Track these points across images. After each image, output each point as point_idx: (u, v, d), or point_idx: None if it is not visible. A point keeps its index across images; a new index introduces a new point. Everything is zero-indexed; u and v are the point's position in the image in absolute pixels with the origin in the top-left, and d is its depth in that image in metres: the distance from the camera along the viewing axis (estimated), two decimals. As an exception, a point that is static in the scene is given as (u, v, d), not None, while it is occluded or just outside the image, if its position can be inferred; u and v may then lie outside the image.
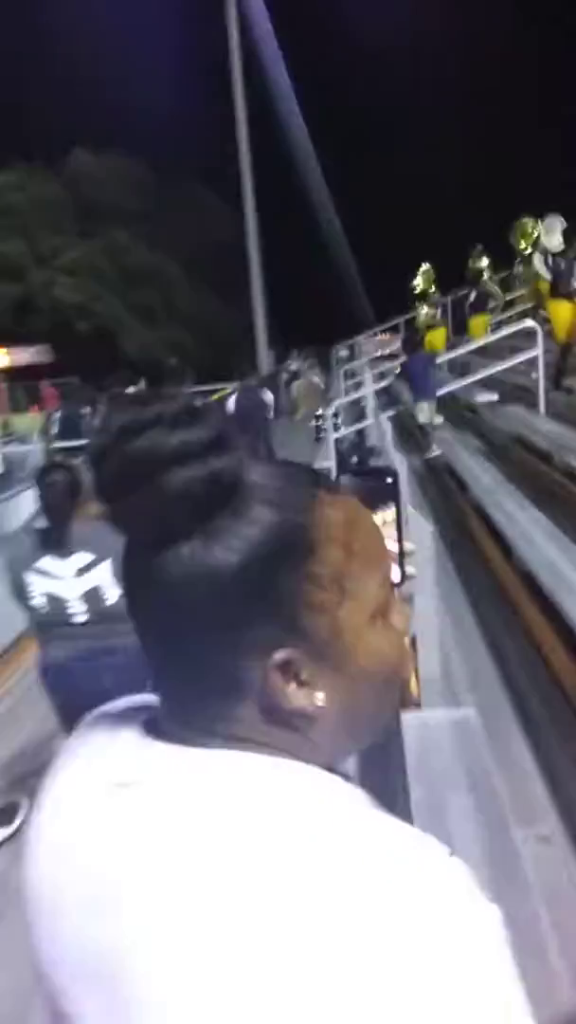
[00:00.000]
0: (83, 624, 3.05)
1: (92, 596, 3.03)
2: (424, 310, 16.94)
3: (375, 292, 31.72)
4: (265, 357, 25.56)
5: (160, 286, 39.18)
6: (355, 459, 10.72)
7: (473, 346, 12.07)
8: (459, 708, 3.41)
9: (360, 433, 11.32)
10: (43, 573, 3.02)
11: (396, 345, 21.24)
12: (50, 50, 38.09)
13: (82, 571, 3.02)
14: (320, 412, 12.37)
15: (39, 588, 3.03)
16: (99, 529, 2.94)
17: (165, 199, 41.40)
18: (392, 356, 20.26)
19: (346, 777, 0.66)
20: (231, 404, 8.30)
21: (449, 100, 39.08)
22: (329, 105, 37.74)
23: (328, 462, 9.95)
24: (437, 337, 15.71)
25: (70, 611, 3.03)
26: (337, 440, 10.12)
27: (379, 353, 21.91)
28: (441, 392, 10.76)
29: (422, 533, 3.45)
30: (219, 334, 40.72)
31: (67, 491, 3.01)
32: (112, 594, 3.02)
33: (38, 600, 3.05)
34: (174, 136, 38.48)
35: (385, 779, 3.71)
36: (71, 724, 2.51)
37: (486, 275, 15.64)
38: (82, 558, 3.01)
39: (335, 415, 10.84)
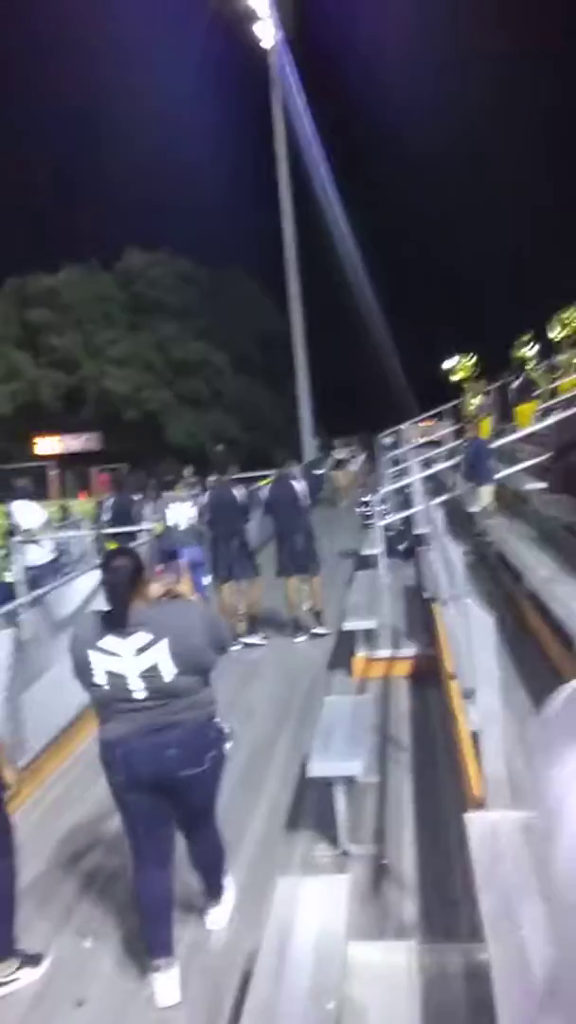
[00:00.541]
0: (142, 700, 3.19)
1: (151, 674, 3.18)
2: (472, 397, 17.10)
3: (418, 380, 32.19)
4: (309, 445, 25.90)
5: (207, 376, 40.33)
6: (403, 546, 10.68)
7: (521, 434, 12.09)
8: (526, 810, 3.30)
9: (407, 520, 11.29)
10: (105, 652, 3.17)
11: (440, 432, 21.43)
12: (106, 152, 40.45)
13: (141, 650, 3.17)
14: (367, 499, 12.41)
15: (101, 666, 3.18)
16: (157, 610, 3.28)
17: (213, 293, 43.22)
18: (435, 443, 20.44)
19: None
20: (265, 492, 8.42)
21: (490, 192, 40.34)
22: (371, 201, 39.18)
23: (375, 548, 9.91)
24: (483, 426, 15.81)
25: (130, 688, 3.18)
26: (385, 527, 10.12)
27: (423, 440, 22.14)
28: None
29: (481, 625, 3.42)
30: (264, 422, 41.65)
31: (130, 575, 3.20)
32: (168, 672, 3.17)
33: (100, 677, 3.19)
34: (222, 233, 40.30)
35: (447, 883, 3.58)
36: (128, 797, 2.83)
37: (532, 363, 15.78)
38: (141, 638, 3.17)
39: (382, 502, 10.87)
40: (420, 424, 23.86)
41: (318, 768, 4.09)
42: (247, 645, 8.18)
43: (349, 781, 4.12)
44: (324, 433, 30.60)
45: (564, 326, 14.70)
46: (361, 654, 6.82)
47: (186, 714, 3.23)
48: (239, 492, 8.35)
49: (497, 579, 8.33)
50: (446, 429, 20.75)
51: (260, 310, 43.23)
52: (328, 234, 36.41)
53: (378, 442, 23.96)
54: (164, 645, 3.16)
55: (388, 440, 22.45)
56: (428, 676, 6.28)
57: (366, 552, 10.25)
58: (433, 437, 21.11)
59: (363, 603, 7.41)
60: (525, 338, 15.87)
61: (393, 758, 5.08)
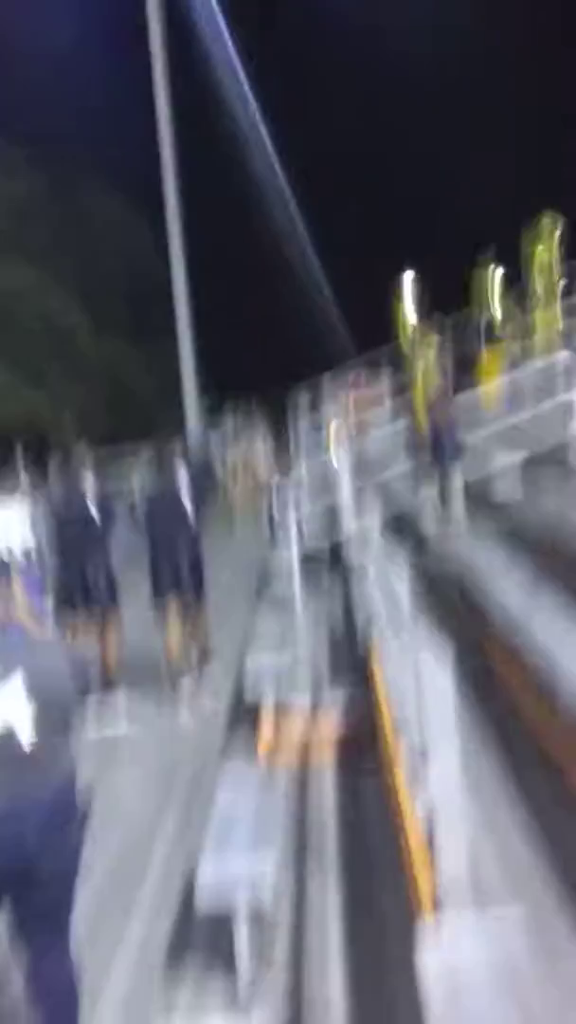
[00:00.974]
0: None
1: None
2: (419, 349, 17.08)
3: (352, 315, 32.40)
4: (195, 411, 25.74)
5: (58, 335, 39.59)
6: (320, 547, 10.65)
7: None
8: (491, 911, 3.26)
9: (331, 511, 11.26)
10: None
11: (376, 388, 21.50)
12: None
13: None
14: (275, 481, 12.35)
15: None
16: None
17: (67, 225, 42.00)
18: (369, 402, 20.50)
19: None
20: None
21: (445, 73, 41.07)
22: (284, 77, 39.19)
23: (287, 551, 9.76)
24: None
25: None
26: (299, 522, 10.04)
27: (357, 420, 22.15)
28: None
29: (438, 687, 3.32)
30: (136, 396, 40.98)
31: None
32: (24, 737, 3.28)
33: None
34: (71, 124, 39.43)
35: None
36: None
37: (496, 293, 15.87)
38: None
39: (296, 486, 10.83)
40: (352, 393, 23.72)
41: (211, 873, 3.94)
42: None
43: (253, 890, 3.97)
44: (215, 393, 30.41)
45: (542, 237, 14.81)
46: (269, 706, 6.68)
47: (45, 790, 3.39)
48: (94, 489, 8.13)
49: (457, 613, 8.15)
50: (382, 397, 20.68)
51: (129, 243, 42.64)
52: (221, 124, 36.20)
53: (291, 403, 23.89)
54: (20, 688, 3.29)
55: (305, 399, 22.32)
56: (363, 737, 6.15)
57: (274, 555, 10.07)
58: (368, 392, 21.18)
59: (273, 632, 7.32)
60: (486, 257, 15.89)
61: (316, 852, 5.00)
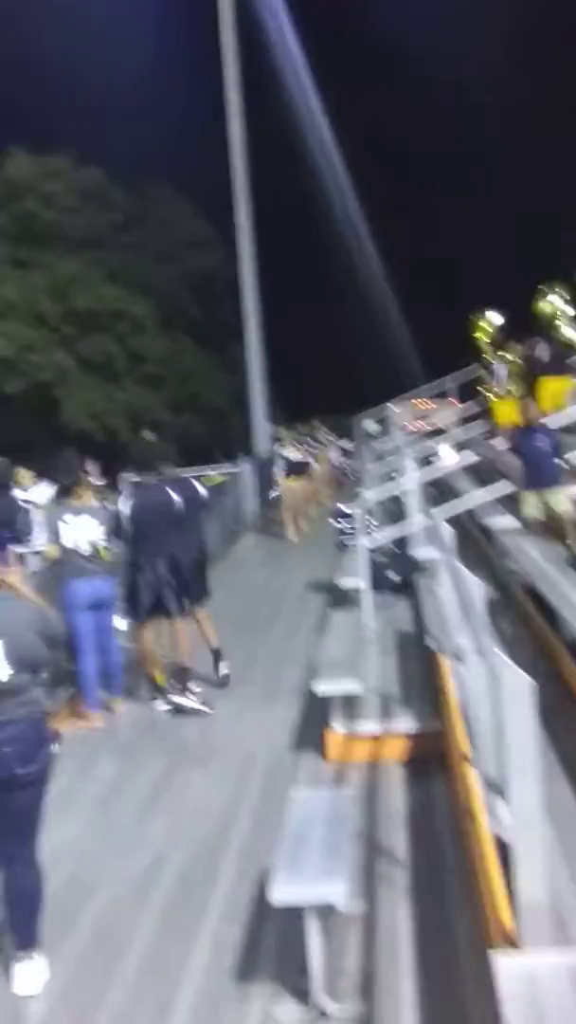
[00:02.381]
0: None
1: None
2: (497, 366, 17.08)
3: (423, 343, 32.40)
4: (263, 430, 25.89)
5: (121, 333, 40.11)
6: (395, 576, 10.71)
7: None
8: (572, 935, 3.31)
9: (401, 541, 11.34)
10: None
11: (443, 415, 21.56)
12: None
13: None
14: (346, 509, 12.42)
15: None
16: None
17: (132, 220, 42.95)
18: (438, 431, 20.56)
19: None
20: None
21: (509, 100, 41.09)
22: (360, 98, 39.48)
23: (355, 579, 9.93)
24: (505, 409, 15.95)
25: None
26: (371, 550, 10.15)
27: (419, 427, 22.22)
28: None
29: (517, 692, 3.40)
30: (199, 399, 41.53)
31: None
32: (4, 671, 4.34)
33: None
34: (145, 138, 40.15)
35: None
36: None
37: (562, 320, 15.82)
38: None
39: (368, 514, 10.90)
40: (414, 404, 23.89)
41: (284, 892, 4.04)
42: (178, 710, 8.14)
43: (327, 910, 4.08)
44: (282, 415, 30.59)
45: None
46: (338, 729, 6.79)
47: (20, 711, 4.41)
48: (179, 493, 8.47)
49: (527, 623, 8.39)
50: (451, 411, 20.87)
51: (197, 244, 43.22)
52: (294, 142, 36.56)
53: (357, 427, 24.03)
54: (0, 645, 4.33)
55: (372, 426, 22.57)
56: (432, 760, 6.28)
57: (343, 584, 10.28)
58: (434, 423, 21.25)
59: (340, 657, 7.40)
60: (550, 288, 15.82)
61: (386, 876, 5.07)
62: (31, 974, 4.45)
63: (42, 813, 4.54)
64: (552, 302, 15.62)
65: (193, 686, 8.36)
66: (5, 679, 4.35)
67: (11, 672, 4.36)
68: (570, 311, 15.60)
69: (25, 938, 4.48)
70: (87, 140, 38.75)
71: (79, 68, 39.38)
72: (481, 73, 39.58)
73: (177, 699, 8.25)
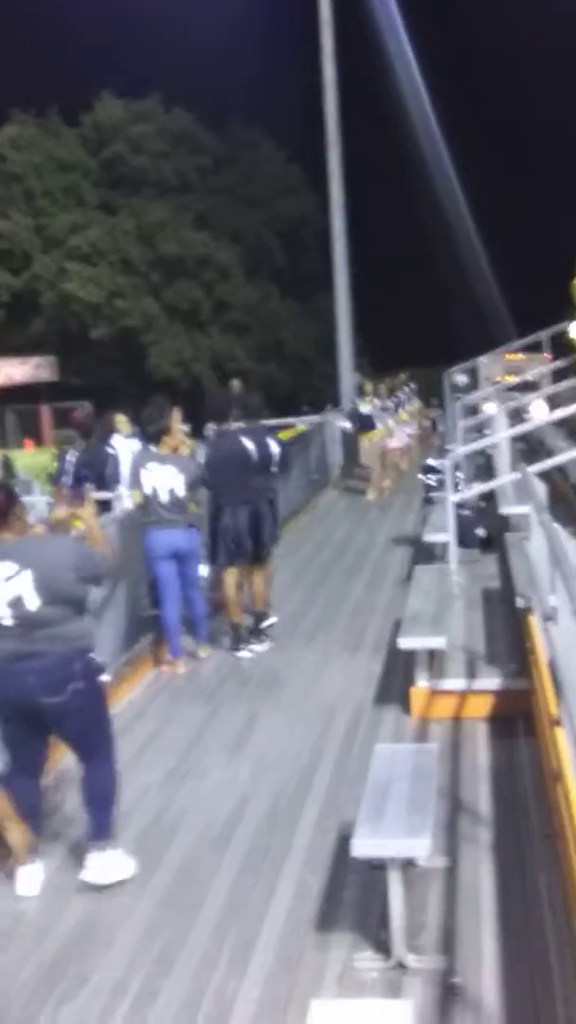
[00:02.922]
0: (8, 628, 4.67)
1: (16, 603, 4.64)
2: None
3: (516, 296, 31.80)
4: (349, 380, 25.74)
5: (207, 280, 40.10)
6: (482, 532, 10.63)
7: None
8: None
9: (489, 496, 11.22)
10: None
11: (533, 369, 21.17)
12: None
13: (7, 580, 4.62)
14: (432, 462, 12.36)
15: None
16: (26, 543, 4.81)
17: (221, 164, 42.72)
18: (530, 385, 20.21)
19: None
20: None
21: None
22: (451, 41, 38.65)
23: (442, 535, 9.87)
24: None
25: None
26: (457, 505, 10.06)
27: (507, 380, 21.83)
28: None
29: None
30: (286, 348, 41.40)
31: None
32: (33, 602, 4.63)
33: None
34: (234, 80, 39.83)
35: None
36: (4, 717, 4.80)
37: None
38: (8, 568, 4.63)
39: (456, 469, 10.80)
40: (504, 358, 23.52)
41: (366, 845, 4.07)
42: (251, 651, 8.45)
43: (409, 864, 4.10)
44: (369, 366, 30.39)
45: None
46: (422, 685, 6.79)
47: (48, 645, 4.70)
48: (255, 443, 8.63)
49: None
50: (543, 366, 20.49)
51: (286, 190, 42.88)
52: (387, 88, 35.91)
53: (446, 380, 23.72)
54: (28, 576, 4.62)
55: (461, 379, 22.21)
56: (518, 719, 6.25)
57: (429, 539, 10.24)
58: (525, 377, 20.89)
59: (426, 612, 7.37)
60: None
61: (468, 834, 5.08)
62: (104, 863, 4.85)
63: (99, 736, 4.98)
64: None
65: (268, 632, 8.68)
66: (34, 609, 4.65)
67: (39, 603, 4.64)
68: None
69: (97, 831, 4.91)
70: (176, 83, 38.73)
71: (167, 10, 39.12)
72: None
73: (256, 645, 8.47)
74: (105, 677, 5.14)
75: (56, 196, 40.12)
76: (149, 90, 40.53)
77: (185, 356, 38.83)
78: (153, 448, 8.26)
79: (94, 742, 4.97)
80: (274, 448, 8.90)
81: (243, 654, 8.39)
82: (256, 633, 8.61)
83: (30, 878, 4.87)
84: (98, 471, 9.39)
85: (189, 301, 39.58)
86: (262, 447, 8.70)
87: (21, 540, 4.81)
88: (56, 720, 4.80)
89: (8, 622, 4.67)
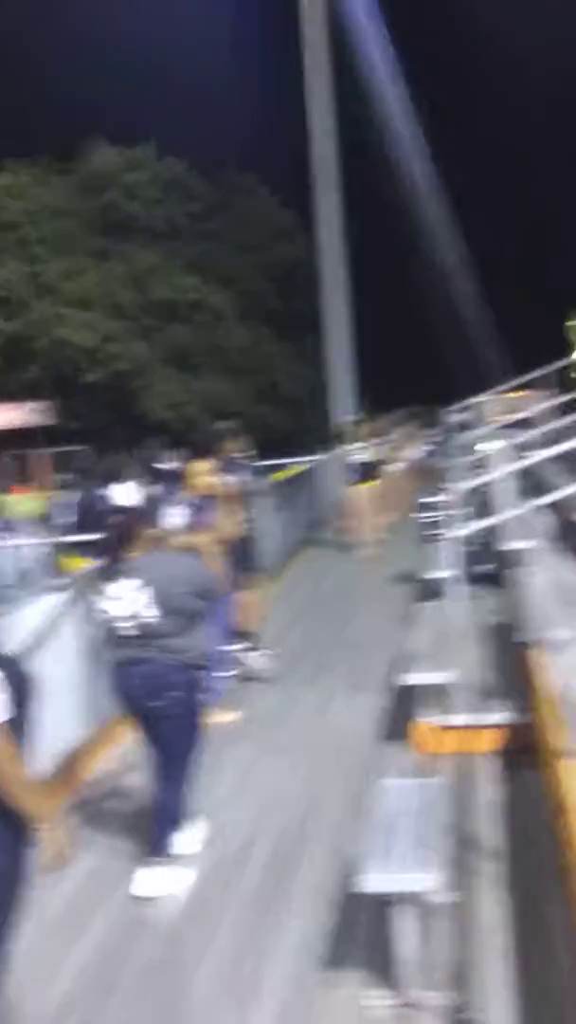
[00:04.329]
0: (129, 637, 5.25)
1: (137, 615, 5.20)
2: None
3: (510, 338, 31.95)
4: (349, 411, 25.86)
5: (201, 324, 40.39)
6: (484, 568, 10.63)
7: None
8: None
9: (489, 532, 11.24)
10: (107, 595, 5.29)
11: (534, 406, 21.28)
12: (66, 13, 40.50)
13: (132, 593, 5.19)
14: (430, 499, 12.39)
15: (105, 606, 5.30)
16: (148, 560, 5.32)
17: (213, 210, 43.19)
18: (527, 423, 20.31)
19: None
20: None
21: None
22: (443, 86, 39.18)
23: (444, 571, 9.87)
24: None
25: (122, 626, 5.25)
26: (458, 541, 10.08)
27: (506, 418, 21.96)
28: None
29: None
30: (283, 389, 41.60)
31: (120, 534, 5.32)
32: (151, 614, 5.17)
33: (105, 616, 5.32)
34: (226, 128, 40.33)
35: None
36: (127, 713, 5.58)
37: None
38: (133, 584, 5.19)
39: (455, 506, 10.82)
40: (505, 397, 23.67)
41: (374, 881, 4.04)
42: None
43: (417, 899, 4.07)
44: (366, 408, 30.45)
45: None
46: (427, 721, 6.77)
47: (156, 653, 5.23)
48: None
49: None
50: (542, 403, 20.61)
51: (278, 235, 43.31)
52: (378, 132, 36.33)
53: (443, 419, 23.83)
54: (148, 591, 5.16)
55: (460, 417, 22.33)
56: (524, 753, 6.23)
57: (430, 575, 10.25)
58: (524, 415, 20.99)
59: (429, 648, 7.38)
60: None
61: (476, 869, 5.06)
62: (149, 880, 5.18)
63: (187, 745, 5.39)
64: None
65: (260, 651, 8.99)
66: (153, 622, 5.17)
67: (158, 615, 5.16)
68: None
69: (154, 847, 5.28)
70: (169, 131, 39.17)
71: (161, 59, 39.76)
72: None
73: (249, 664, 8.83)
74: (207, 696, 5.59)
75: (50, 242, 40.46)
76: (142, 138, 41.05)
77: (177, 399, 38.96)
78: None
79: (177, 754, 5.37)
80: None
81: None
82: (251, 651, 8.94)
83: (143, 879, 5.22)
84: (97, 512, 9.41)
85: (181, 345, 39.85)
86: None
87: (145, 557, 5.30)
88: (154, 722, 5.31)
89: (129, 632, 5.22)
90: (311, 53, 26.70)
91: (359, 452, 16.04)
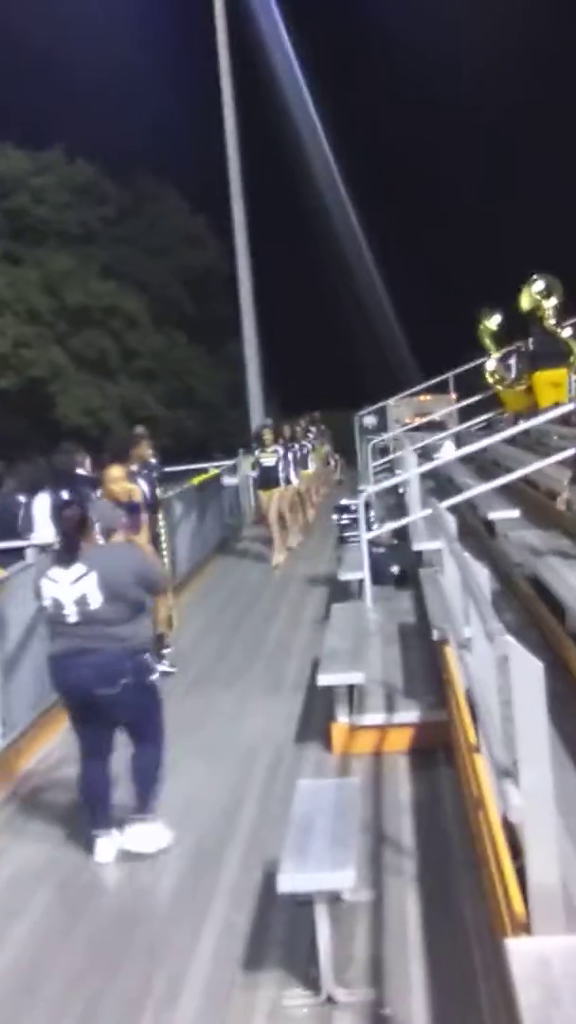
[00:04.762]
0: (73, 624, 5.38)
1: (81, 601, 5.34)
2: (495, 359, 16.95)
3: (420, 340, 32.39)
4: (260, 416, 25.95)
5: (115, 329, 40.08)
6: (396, 569, 10.75)
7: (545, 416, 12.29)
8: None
9: (401, 533, 11.38)
10: (51, 580, 5.42)
11: (442, 408, 21.61)
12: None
13: (76, 580, 5.33)
14: (345, 502, 12.48)
15: (48, 591, 5.43)
16: (96, 550, 5.57)
17: (126, 215, 42.87)
18: (438, 425, 20.61)
19: None
20: None
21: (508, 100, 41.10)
22: (356, 95, 39.53)
23: (357, 573, 9.98)
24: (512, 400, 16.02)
25: (65, 612, 5.37)
26: (371, 544, 10.18)
27: (415, 420, 22.26)
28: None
29: (526, 675, 3.43)
30: (198, 394, 41.50)
31: (76, 522, 5.45)
32: (95, 600, 5.31)
33: (47, 601, 5.45)
34: (138, 133, 40.12)
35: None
36: (67, 703, 5.83)
37: (551, 315, 15.70)
38: (77, 570, 5.35)
39: (367, 508, 10.92)
40: (415, 400, 23.99)
41: (291, 880, 4.07)
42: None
43: (334, 898, 4.11)
44: (278, 411, 30.56)
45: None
46: (342, 721, 6.82)
47: (104, 642, 5.36)
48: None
49: (531, 614, 8.42)
50: (451, 405, 20.91)
51: (191, 240, 43.19)
52: (289, 137, 36.52)
53: (356, 422, 24.06)
54: (93, 577, 5.31)
55: (371, 420, 22.62)
56: (438, 750, 6.31)
57: (344, 577, 10.35)
58: (433, 417, 21.30)
59: (343, 649, 7.42)
60: (537, 283, 15.74)
61: (393, 866, 5.10)
62: (143, 833, 5.48)
63: (148, 724, 5.64)
64: (532, 295, 15.61)
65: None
66: (95, 607, 5.31)
67: (100, 600, 5.30)
68: (550, 302, 15.54)
69: (138, 804, 5.56)
70: (78, 135, 38.72)
71: (69, 62, 39.34)
72: (479, 65, 39.65)
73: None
74: (155, 676, 5.71)
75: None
76: (51, 141, 40.56)
77: (94, 405, 38.60)
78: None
79: (143, 729, 5.64)
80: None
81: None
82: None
83: (105, 847, 5.49)
84: (9, 520, 9.29)
85: (97, 350, 39.46)
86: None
87: (92, 548, 5.52)
88: (108, 708, 5.44)
89: (73, 619, 5.36)
90: (222, 58, 26.69)
91: (269, 457, 15.29)
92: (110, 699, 5.37)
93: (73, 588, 5.32)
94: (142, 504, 9.06)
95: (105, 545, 5.84)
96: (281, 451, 15.43)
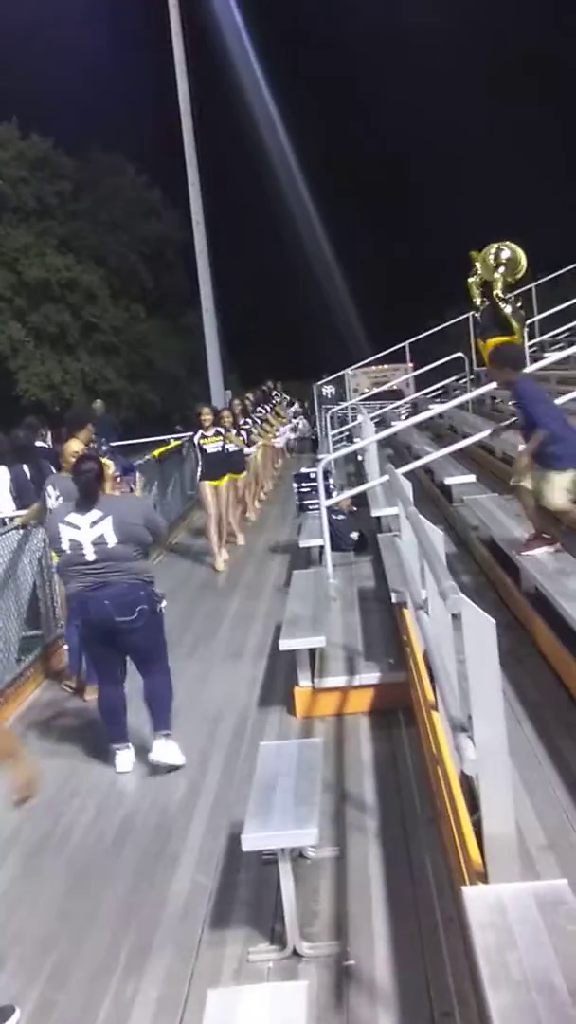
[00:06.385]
0: (92, 563, 6.05)
1: (99, 542, 6.03)
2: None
3: (369, 313, 32.36)
4: (221, 398, 25.86)
5: (74, 303, 39.69)
6: (355, 535, 10.78)
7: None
8: (542, 879, 3.36)
9: (361, 500, 11.41)
10: (69, 524, 6.09)
11: (402, 377, 21.65)
12: None
13: (94, 524, 6.05)
14: (306, 470, 12.45)
15: (66, 535, 6.09)
16: (109, 498, 6.32)
17: (82, 189, 42.39)
18: (395, 393, 20.63)
19: None
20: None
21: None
22: (301, 62, 39.19)
23: (316, 540, 10.00)
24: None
25: (84, 552, 6.05)
26: (330, 511, 10.19)
27: (373, 390, 22.31)
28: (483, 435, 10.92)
29: (479, 632, 3.46)
30: (158, 366, 41.25)
31: (95, 474, 6.16)
32: (112, 540, 6.02)
33: (65, 544, 6.10)
34: (93, 106, 39.60)
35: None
36: (86, 635, 6.64)
37: (499, 287, 15.75)
38: (95, 515, 6.07)
39: (326, 476, 10.92)
40: (373, 369, 23.99)
41: (255, 839, 4.09)
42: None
43: (298, 855, 4.14)
44: (237, 383, 30.50)
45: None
46: (305, 684, 6.85)
47: (120, 576, 6.06)
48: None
49: (488, 576, 8.48)
50: (406, 373, 20.94)
51: (147, 212, 42.82)
52: (243, 107, 36.17)
53: (315, 392, 24.04)
54: (109, 521, 6.04)
55: (329, 390, 22.59)
56: (398, 711, 6.37)
57: (305, 544, 10.37)
58: (391, 385, 21.31)
59: (304, 615, 7.44)
60: (483, 252, 15.78)
61: (355, 823, 5.14)
62: (166, 747, 6.17)
63: (158, 650, 6.36)
64: (489, 264, 15.68)
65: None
66: (111, 545, 6.01)
67: (116, 541, 6.01)
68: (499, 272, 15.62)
69: (158, 723, 6.22)
70: (31, 109, 38.17)
71: (21, 36, 38.69)
72: (429, 34, 39.41)
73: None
74: (164, 604, 6.47)
75: None
76: (4, 115, 39.93)
77: (55, 379, 38.32)
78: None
79: (154, 655, 6.33)
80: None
81: None
82: None
83: (124, 758, 6.31)
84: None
85: (56, 325, 39.10)
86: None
87: (107, 497, 6.27)
88: (126, 635, 6.09)
89: (91, 557, 6.01)
90: (176, 29, 26.35)
91: (213, 442, 12.67)
92: (129, 625, 6.02)
93: (92, 531, 6.01)
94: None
95: (117, 495, 6.81)
96: (225, 432, 12.99)
